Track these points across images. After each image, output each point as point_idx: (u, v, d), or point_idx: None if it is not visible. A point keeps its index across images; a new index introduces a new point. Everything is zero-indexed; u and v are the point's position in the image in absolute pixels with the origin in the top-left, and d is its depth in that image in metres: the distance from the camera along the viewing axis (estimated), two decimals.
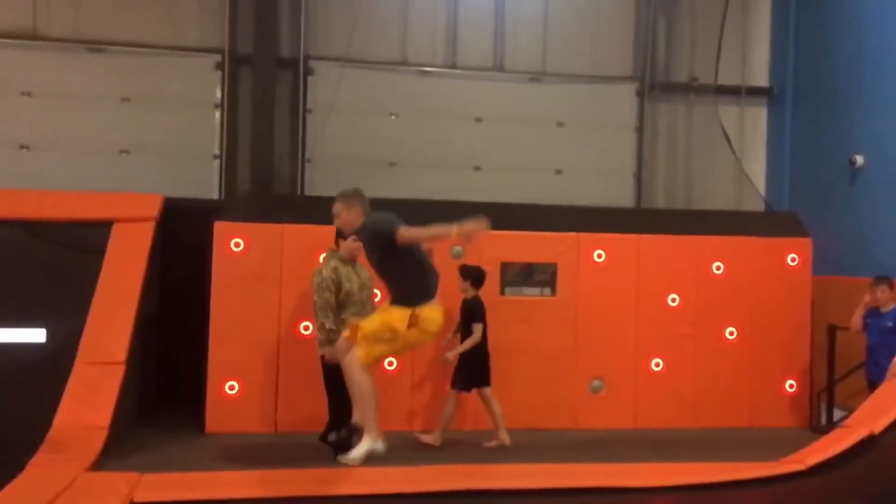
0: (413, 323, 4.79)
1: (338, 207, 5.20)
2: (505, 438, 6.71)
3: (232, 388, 6.99)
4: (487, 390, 6.75)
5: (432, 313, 4.90)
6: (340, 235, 6.15)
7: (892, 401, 5.81)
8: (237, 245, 7.08)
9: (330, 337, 5.97)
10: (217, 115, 8.81)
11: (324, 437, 6.13)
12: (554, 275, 7.62)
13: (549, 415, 7.47)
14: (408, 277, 4.97)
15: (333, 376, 6.05)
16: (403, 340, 4.91)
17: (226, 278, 7.02)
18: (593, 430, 7.35)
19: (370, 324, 4.93)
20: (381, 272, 5.13)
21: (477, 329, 6.63)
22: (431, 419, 7.14)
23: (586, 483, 5.30)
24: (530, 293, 7.61)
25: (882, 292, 6.63)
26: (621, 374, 7.66)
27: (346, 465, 4.77)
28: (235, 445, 6.51)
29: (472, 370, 6.63)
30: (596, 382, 7.64)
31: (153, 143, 8.63)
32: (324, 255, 6.32)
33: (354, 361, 4.86)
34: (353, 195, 5.19)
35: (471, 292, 6.73)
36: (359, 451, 4.77)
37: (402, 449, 6.50)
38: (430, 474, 5.47)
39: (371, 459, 5.67)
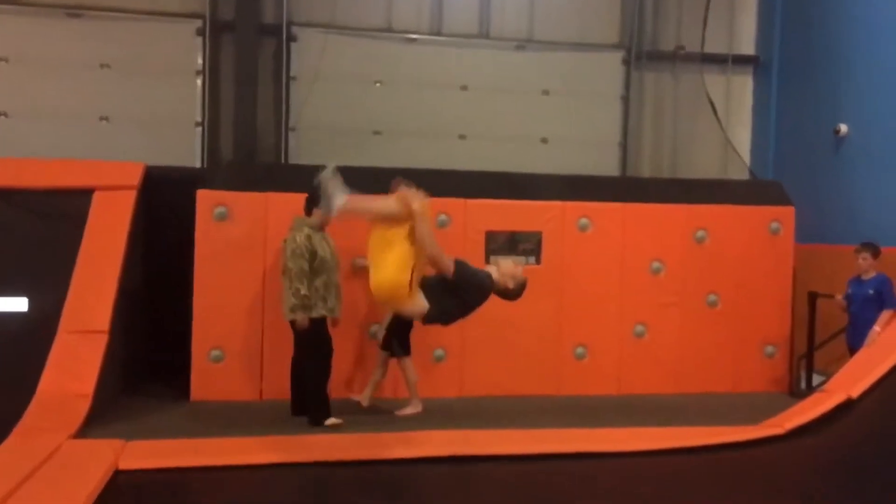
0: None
1: None
2: (417, 407, 6.73)
3: (217, 355, 6.99)
4: (407, 359, 6.77)
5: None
6: (313, 203, 6.18)
7: (870, 366, 5.91)
8: (221, 214, 7.03)
9: (304, 303, 6.04)
10: (199, 82, 8.69)
11: (298, 410, 6.24)
12: (539, 243, 7.63)
13: (534, 382, 7.53)
14: None
15: (303, 343, 6.12)
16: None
17: (209, 247, 6.98)
18: (578, 397, 7.42)
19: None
20: None
21: None
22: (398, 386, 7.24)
23: (570, 448, 5.36)
24: (515, 262, 7.59)
25: (864, 259, 6.69)
26: (605, 342, 7.72)
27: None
28: (221, 413, 6.52)
29: (406, 336, 6.62)
30: (580, 349, 7.69)
31: (134, 110, 8.52)
32: (294, 221, 6.36)
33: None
34: None
35: None
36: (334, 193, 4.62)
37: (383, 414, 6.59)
38: (421, 440, 5.53)
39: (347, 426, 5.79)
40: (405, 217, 4.34)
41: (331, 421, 6.10)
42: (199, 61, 8.67)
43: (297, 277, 6.05)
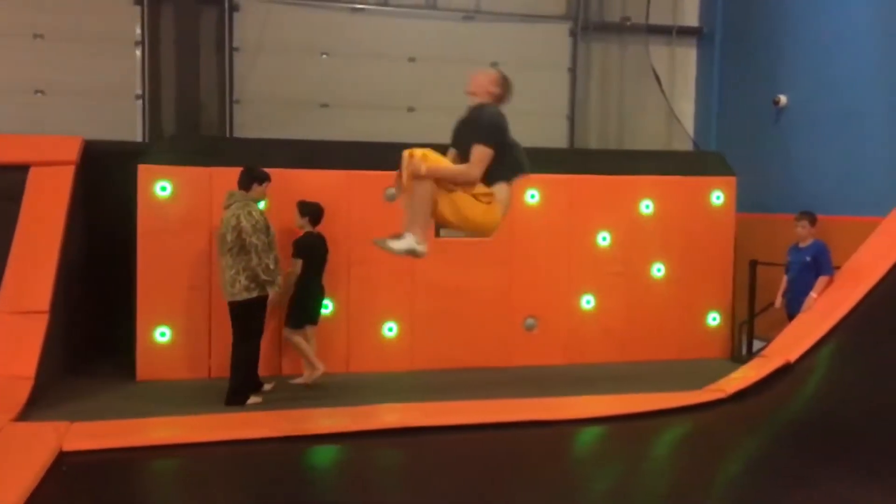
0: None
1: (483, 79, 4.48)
2: (309, 375, 6.66)
3: (163, 334, 6.88)
4: (311, 329, 6.73)
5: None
6: (255, 179, 6.11)
7: (806, 331, 6.11)
8: (163, 189, 6.88)
9: (273, 277, 5.98)
10: (138, 53, 8.43)
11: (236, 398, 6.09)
12: None
13: (485, 354, 7.60)
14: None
15: (245, 321, 6.03)
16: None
17: (152, 223, 6.83)
18: (527, 368, 7.53)
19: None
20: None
21: (297, 265, 6.56)
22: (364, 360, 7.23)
23: (520, 417, 5.44)
24: (465, 235, 7.63)
25: (802, 228, 6.88)
26: (554, 313, 7.83)
27: (385, 249, 4.23)
28: (168, 391, 6.45)
29: (306, 307, 6.56)
30: (530, 321, 7.79)
31: (70, 82, 8.23)
32: (231, 197, 6.14)
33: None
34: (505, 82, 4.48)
35: (307, 228, 6.68)
36: (404, 242, 4.19)
37: (341, 388, 6.59)
38: (374, 413, 5.54)
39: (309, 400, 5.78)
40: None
41: (252, 399, 6.10)
42: (138, 31, 8.41)
43: (264, 252, 5.97)
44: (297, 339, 6.66)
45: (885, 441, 4.69)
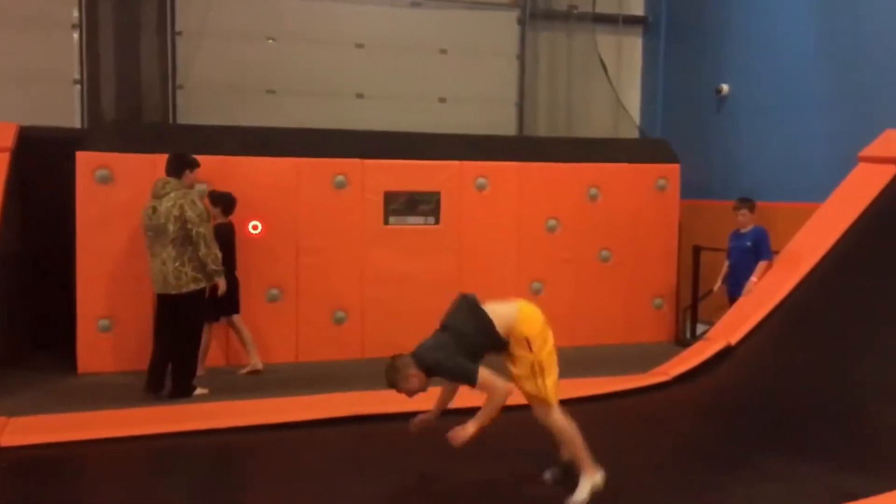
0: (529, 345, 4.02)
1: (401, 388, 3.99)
2: (257, 363, 6.73)
3: (105, 325, 6.71)
4: (236, 318, 6.69)
5: (529, 321, 4.07)
6: (186, 165, 5.95)
7: (747, 314, 6.28)
8: (103, 177, 6.70)
9: (222, 268, 5.87)
10: (75, 35, 8.14)
11: (154, 387, 5.94)
12: (437, 203, 7.66)
13: None
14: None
15: (191, 313, 5.91)
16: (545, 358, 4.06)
17: (91, 212, 6.65)
18: None
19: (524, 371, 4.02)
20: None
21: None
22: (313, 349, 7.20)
23: (469, 404, 5.45)
24: (414, 222, 7.63)
25: (743, 215, 7.05)
26: (504, 299, 7.86)
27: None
28: (110, 384, 6.31)
29: (219, 299, 6.37)
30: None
31: (4, 66, 7.88)
32: (166, 185, 5.87)
33: (551, 408, 4.07)
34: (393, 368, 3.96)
35: (220, 219, 6.58)
36: (584, 490, 3.98)
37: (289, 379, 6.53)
38: (318, 402, 5.50)
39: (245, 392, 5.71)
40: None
41: (199, 391, 6.01)
42: (75, 13, 8.11)
43: (212, 242, 5.84)
44: (245, 328, 6.60)
45: (821, 419, 4.86)
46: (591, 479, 3.99)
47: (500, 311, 4.06)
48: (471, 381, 3.86)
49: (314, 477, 4.40)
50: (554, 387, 4.06)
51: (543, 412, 4.05)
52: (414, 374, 3.87)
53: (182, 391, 5.92)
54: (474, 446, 3.86)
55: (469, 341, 3.94)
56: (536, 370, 3.99)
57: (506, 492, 4.26)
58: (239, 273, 6.65)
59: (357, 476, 4.41)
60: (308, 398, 5.67)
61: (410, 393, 3.92)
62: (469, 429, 3.84)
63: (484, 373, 3.86)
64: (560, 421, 4.07)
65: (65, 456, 4.55)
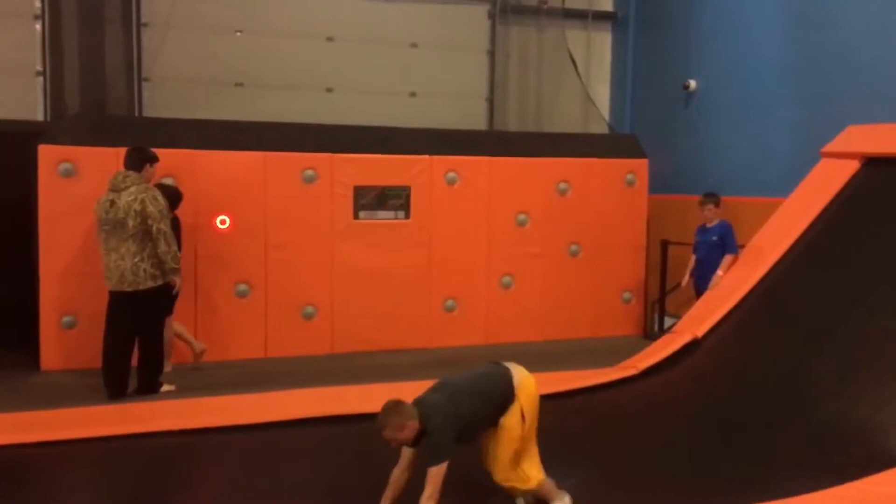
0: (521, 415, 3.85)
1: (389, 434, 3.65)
2: (199, 347, 6.64)
3: (69, 321, 6.61)
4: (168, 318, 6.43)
5: (524, 390, 3.88)
6: (147, 159, 5.86)
7: (713, 308, 6.36)
8: (67, 170, 6.58)
9: (179, 267, 5.79)
10: (38, 26, 7.97)
11: (114, 391, 5.78)
12: (408, 198, 7.65)
13: (405, 336, 7.62)
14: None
15: (156, 310, 5.83)
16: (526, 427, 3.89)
17: (55, 206, 6.52)
18: (448, 349, 7.59)
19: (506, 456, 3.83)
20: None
21: None
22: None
23: None
24: (384, 217, 7.61)
25: (709, 210, 7.14)
26: (473, 294, 7.90)
27: None
28: (74, 381, 6.21)
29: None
30: (450, 302, 7.84)
31: None
32: (127, 179, 5.75)
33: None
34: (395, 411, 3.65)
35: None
36: None
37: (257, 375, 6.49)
38: (291, 400, 5.47)
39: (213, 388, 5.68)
40: None
41: (166, 387, 5.94)
42: (38, 3, 7.93)
43: (173, 239, 5.74)
44: (177, 323, 6.52)
45: (784, 411, 4.94)
46: (561, 502, 3.92)
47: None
48: (436, 461, 3.54)
49: (282, 473, 4.37)
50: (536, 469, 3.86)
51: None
52: (410, 427, 3.58)
53: (149, 388, 5.85)
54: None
55: (476, 419, 3.69)
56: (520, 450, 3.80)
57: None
58: (207, 268, 6.59)
59: (328, 471, 4.39)
60: (278, 394, 5.63)
61: (395, 442, 3.63)
62: None
63: (445, 469, 3.55)
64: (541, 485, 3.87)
65: (29, 455, 4.47)
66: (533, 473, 3.87)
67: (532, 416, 3.87)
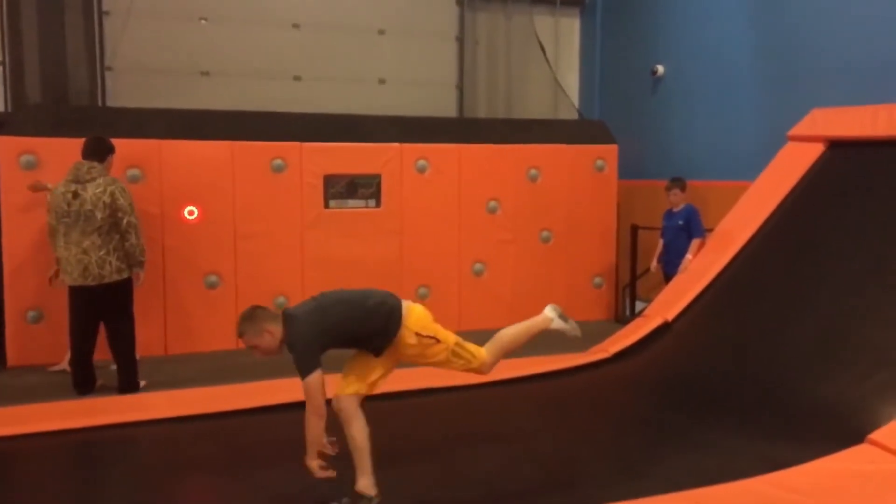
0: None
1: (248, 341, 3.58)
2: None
3: (35, 316, 6.49)
4: None
5: (412, 315, 3.87)
6: (110, 150, 5.75)
7: (683, 291, 6.43)
8: (28, 162, 6.44)
9: (144, 259, 5.71)
10: None
11: (84, 388, 5.68)
12: (378, 186, 7.61)
13: None
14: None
15: (125, 304, 5.74)
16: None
17: (16, 199, 6.40)
18: None
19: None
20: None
21: None
22: None
23: (411, 386, 5.47)
24: (355, 205, 7.57)
25: (674, 195, 7.21)
26: (446, 281, 7.90)
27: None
28: (41, 377, 6.12)
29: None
30: (422, 290, 7.83)
31: None
32: (92, 170, 5.58)
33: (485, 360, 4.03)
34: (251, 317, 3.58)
35: None
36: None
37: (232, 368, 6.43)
38: (263, 389, 5.43)
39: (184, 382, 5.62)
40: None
41: (143, 383, 5.86)
42: None
43: (140, 232, 5.63)
44: None
45: (753, 391, 5.02)
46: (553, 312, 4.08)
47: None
48: (303, 373, 3.43)
49: (259, 464, 4.34)
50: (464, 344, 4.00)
51: (485, 367, 4.08)
52: (270, 332, 3.44)
53: (132, 386, 5.72)
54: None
55: (345, 326, 3.62)
56: (457, 350, 3.94)
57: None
58: (176, 260, 6.50)
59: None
60: (249, 385, 5.59)
61: (259, 352, 3.47)
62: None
63: (318, 378, 3.43)
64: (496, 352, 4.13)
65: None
66: (473, 348, 4.00)
67: (433, 329, 3.87)
